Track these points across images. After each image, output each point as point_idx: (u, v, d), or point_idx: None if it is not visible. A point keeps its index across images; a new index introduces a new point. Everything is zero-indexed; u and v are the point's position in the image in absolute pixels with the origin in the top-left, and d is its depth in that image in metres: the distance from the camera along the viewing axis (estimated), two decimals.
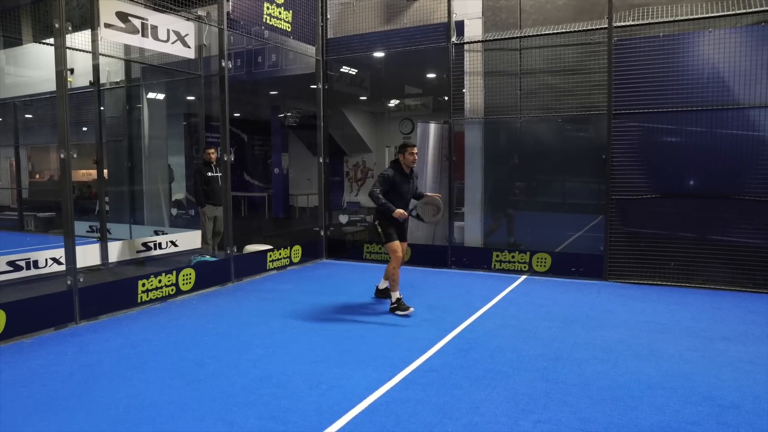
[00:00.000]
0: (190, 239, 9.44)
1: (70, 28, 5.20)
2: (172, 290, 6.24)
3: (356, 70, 10.79)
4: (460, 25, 7.75)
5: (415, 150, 5.78)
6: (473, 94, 7.80)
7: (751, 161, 6.35)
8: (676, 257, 6.75)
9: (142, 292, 5.90)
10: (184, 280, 6.38)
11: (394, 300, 5.71)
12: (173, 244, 9.12)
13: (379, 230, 5.76)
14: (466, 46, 7.77)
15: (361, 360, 4.32)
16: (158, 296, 6.07)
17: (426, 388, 3.77)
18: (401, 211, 5.61)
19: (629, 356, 4.38)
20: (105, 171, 9.53)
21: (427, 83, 13.11)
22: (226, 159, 6.99)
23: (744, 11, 6.27)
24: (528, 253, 7.54)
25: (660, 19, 6.57)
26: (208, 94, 9.82)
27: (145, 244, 8.61)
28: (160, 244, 8.88)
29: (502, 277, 7.43)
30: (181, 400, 3.59)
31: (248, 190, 15.98)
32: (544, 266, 7.47)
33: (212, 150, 8.29)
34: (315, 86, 8.78)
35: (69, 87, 9.97)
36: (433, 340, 4.82)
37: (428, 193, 6.05)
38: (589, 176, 7.38)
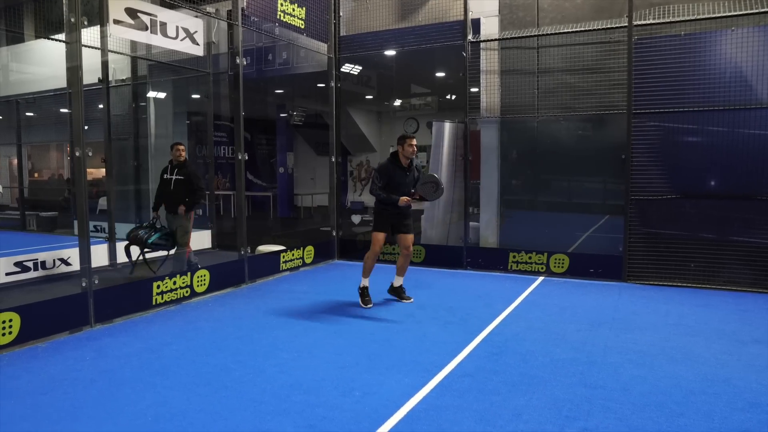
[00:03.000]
0: (199, 239, 9.29)
1: (86, 23, 5.04)
2: (187, 292, 6.10)
3: (359, 68, 10.62)
4: (476, 23, 7.64)
5: (414, 141, 5.70)
6: (489, 93, 7.70)
7: None
8: (696, 258, 6.66)
9: (157, 294, 5.76)
10: (198, 281, 6.25)
11: (360, 286, 5.93)
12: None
13: (373, 218, 5.90)
14: (482, 45, 7.66)
15: (392, 365, 4.20)
16: (173, 298, 5.93)
17: (463, 395, 3.66)
18: (406, 198, 5.63)
19: (664, 360, 4.28)
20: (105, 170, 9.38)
21: (435, 82, 13.00)
22: (240, 158, 6.85)
23: (767, 10, 6.18)
24: (545, 254, 7.44)
25: (681, 18, 6.48)
26: (216, 93, 9.69)
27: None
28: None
29: (520, 279, 7.33)
30: (210, 408, 3.46)
31: (252, 190, 15.82)
32: (562, 267, 7.37)
33: (182, 147, 6.90)
34: (326, 84, 8.65)
35: None
36: (461, 343, 4.71)
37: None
38: (608, 176, 7.28)
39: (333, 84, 8.59)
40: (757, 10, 6.20)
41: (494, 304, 6.00)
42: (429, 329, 5.13)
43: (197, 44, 8.56)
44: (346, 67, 12.19)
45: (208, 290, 6.38)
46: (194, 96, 11.06)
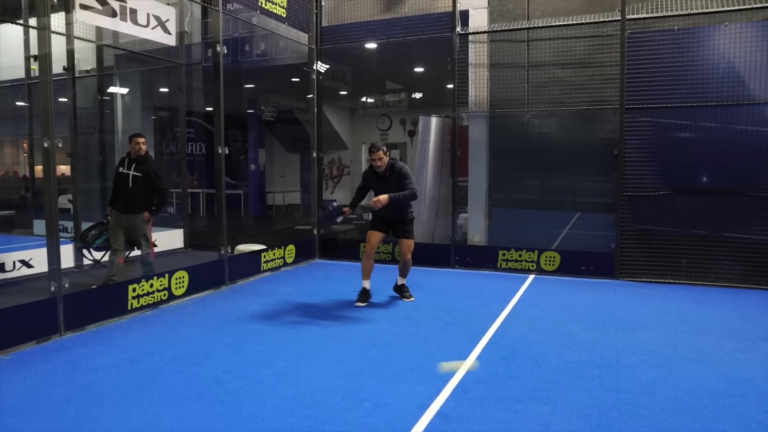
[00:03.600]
0: (170, 238, 8.80)
1: (55, 1, 4.57)
2: (165, 295, 5.67)
3: (326, 66, 10.29)
4: (464, 15, 7.41)
5: (378, 154, 5.44)
6: (478, 87, 7.49)
7: (766, 157, 6.25)
8: (688, 255, 6.61)
9: (133, 298, 5.31)
10: (177, 283, 5.82)
11: (361, 288, 5.82)
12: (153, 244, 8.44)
13: None
14: (471, 37, 7.44)
15: (398, 372, 3.91)
16: (150, 302, 5.49)
17: (482, 403, 3.40)
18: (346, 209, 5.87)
19: (679, 360, 4.13)
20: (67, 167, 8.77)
21: (413, 78, 12.76)
22: (221, 152, 6.44)
23: (760, 5, 6.16)
24: (536, 252, 7.28)
25: (674, 12, 6.40)
26: (188, 86, 9.19)
27: None
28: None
29: (511, 277, 7.15)
30: (208, 428, 3.10)
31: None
32: (553, 265, 7.22)
33: (142, 139, 6.09)
34: (307, 76, 8.29)
35: (33, 75, 9.16)
36: (467, 346, 4.46)
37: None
38: (600, 173, 7.17)
39: (314, 76, 8.23)
40: (749, 6, 6.17)
41: (491, 303, 5.78)
42: (429, 332, 4.86)
43: (169, 33, 8.09)
44: (319, 65, 11.86)
45: (187, 293, 5.95)
46: (165, 89, 10.52)
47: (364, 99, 16.63)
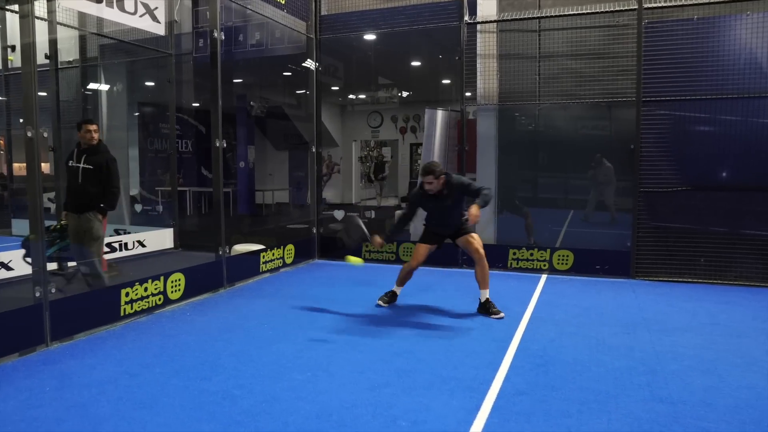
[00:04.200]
0: (159, 238, 8.34)
1: None
2: (160, 299, 5.24)
3: (318, 64, 9.90)
4: (472, 4, 7.08)
5: (429, 178, 4.95)
6: (487, 78, 7.16)
7: None
8: (706, 253, 6.37)
9: (126, 303, 4.88)
10: (173, 287, 5.39)
11: (392, 289, 5.58)
12: (141, 244, 7.99)
13: None
14: (479, 27, 7.11)
15: (429, 383, 3.56)
16: (144, 307, 5.06)
17: (530, 419, 3.07)
18: (378, 241, 5.38)
19: (727, 366, 3.84)
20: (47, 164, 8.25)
21: (408, 73, 12.43)
22: (217, 145, 6.01)
23: None
24: (548, 251, 6.99)
25: (694, 1, 6.15)
26: (177, 78, 8.73)
27: (108, 245, 7.45)
28: (126, 244, 7.74)
29: (522, 277, 6.84)
30: None
31: (208, 186, 14.74)
32: (566, 264, 6.94)
33: (92, 126, 5.30)
34: (305, 67, 7.89)
35: (11, 66, 8.61)
36: (496, 353, 4.13)
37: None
38: (616, 168, 6.90)
39: (314, 67, 7.83)
40: None
41: (509, 305, 5.45)
42: (452, 338, 4.52)
43: (158, 22, 7.64)
44: (308, 62, 11.44)
45: (184, 296, 5.53)
46: (152, 82, 10.01)
47: (356, 95, 16.24)
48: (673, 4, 6.22)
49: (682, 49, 6.23)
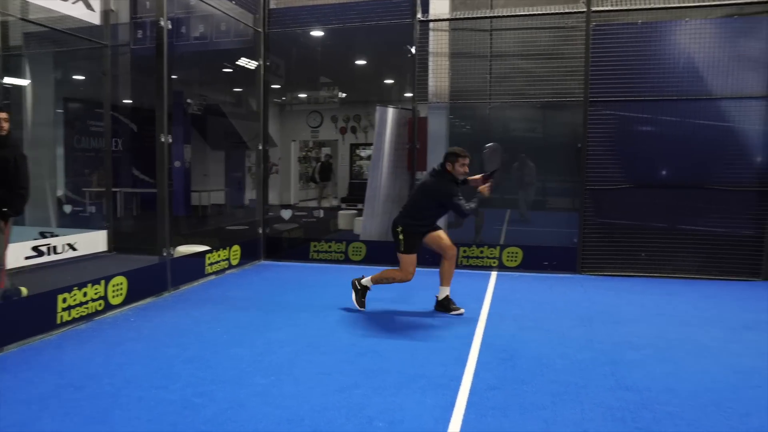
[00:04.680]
0: (91, 241, 7.79)
1: None
2: (100, 305, 4.86)
3: (266, 60, 9.65)
4: (424, 2, 7.08)
5: (468, 160, 4.91)
6: (438, 76, 7.18)
7: (721, 151, 6.42)
8: (647, 248, 6.66)
9: (63, 309, 4.48)
10: (114, 291, 5.01)
11: (363, 283, 5.23)
12: (71, 247, 7.44)
13: (401, 237, 4.94)
14: (431, 25, 7.12)
15: (399, 382, 3.47)
16: (83, 314, 4.67)
17: (506, 413, 3.04)
18: (484, 187, 5.01)
19: (681, 354, 4.00)
20: None
21: (351, 72, 12.32)
22: (163, 140, 5.67)
23: (715, 3, 6.32)
24: (498, 248, 7.08)
25: (638, 6, 6.42)
26: (111, 72, 8.19)
27: (36, 249, 6.89)
28: (55, 248, 7.17)
29: (474, 274, 6.89)
30: None
31: (139, 187, 14.00)
32: (515, 261, 7.06)
33: (3, 115, 4.57)
34: (255, 61, 7.62)
35: None
36: (461, 349, 4.10)
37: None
38: (564, 166, 7.09)
39: (261, 62, 7.57)
40: (706, 3, 6.32)
41: (466, 302, 5.42)
42: (415, 336, 4.46)
43: (92, 10, 7.18)
44: (242, 61, 11.10)
45: (126, 301, 5.16)
46: (81, 76, 9.37)
47: (297, 94, 15.95)
48: (619, 8, 6.46)
49: (627, 52, 6.49)
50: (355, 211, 11.67)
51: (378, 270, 5.35)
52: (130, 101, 12.98)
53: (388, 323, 4.81)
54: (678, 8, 6.40)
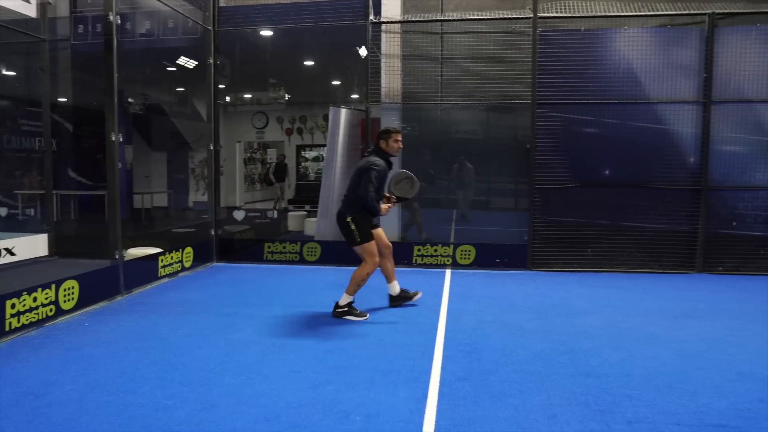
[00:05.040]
0: (31, 245, 7.40)
1: None
2: (51, 310, 4.65)
3: (216, 59, 9.50)
4: (376, 3, 7.17)
5: (400, 137, 4.98)
6: (390, 78, 7.29)
7: (659, 152, 6.84)
8: (593, 244, 7.01)
9: (12, 316, 4.26)
10: (65, 295, 4.81)
11: (344, 303, 4.92)
12: (9, 252, 7.04)
13: (353, 227, 4.82)
14: (383, 27, 7.21)
15: (370, 377, 3.52)
16: (33, 320, 4.45)
17: (477, 402, 3.16)
18: (387, 206, 4.94)
19: (631, 342, 4.25)
20: None
21: (298, 73, 12.25)
22: (114, 139, 5.47)
23: (649, 14, 6.75)
24: (452, 246, 7.26)
25: (580, 14, 6.76)
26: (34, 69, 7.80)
27: None
28: None
29: (428, 272, 7.03)
30: None
31: (75, 189, 13.37)
32: (468, 259, 7.25)
33: None
34: (205, 60, 7.47)
35: None
36: (425, 344, 4.20)
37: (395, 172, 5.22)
38: (513, 166, 7.35)
39: (211, 61, 7.44)
40: (641, 13, 6.73)
41: (425, 299, 5.56)
42: (379, 332, 4.52)
43: (28, 2, 6.84)
44: (182, 60, 10.85)
45: (78, 306, 4.96)
46: (11, 72, 8.86)
47: (243, 95, 15.70)
48: (564, 15, 6.77)
49: (571, 57, 6.81)
50: (305, 212, 11.62)
51: (347, 271, 5.38)
52: (65, 99, 12.40)
53: (351, 322, 4.84)
54: (617, 17, 6.78)
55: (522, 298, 5.70)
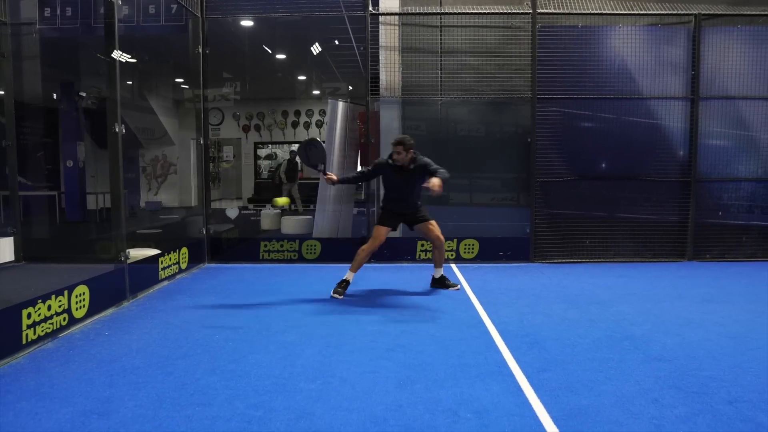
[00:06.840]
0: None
1: None
2: (65, 319, 4.19)
3: (206, 48, 8.98)
4: None
5: (399, 148, 5.27)
6: (389, 71, 7.15)
7: (651, 146, 7.12)
8: (591, 235, 7.19)
9: (29, 327, 3.80)
10: (77, 302, 4.36)
11: (344, 278, 5.45)
12: None
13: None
14: (381, 19, 7.06)
15: (452, 374, 3.40)
16: (49, 330, 4.00)
17: (575, 392, 3.11)
18: (328, 176, 5.52)
19: (676, 326, 4.34)
20: None
21: (261, 67, 11.84)
22: (117, 131, 5.02)
23: (640, 12, 7.00)
24: (455, 240, 7.23)
25: (578, 11, 6.90)
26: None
27: None
28: None
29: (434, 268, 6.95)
30: None
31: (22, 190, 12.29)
32: (472, 253, 7.25)
33: None
34: (194, 49, 7.03)
35: None
36: (482, 337, 4.13)
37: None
38: (514, 160, 7.40)
39: (200, 50, 7.01)
40: (633, 12, 6.97)
41: (452, 294, 5.52)
42: (426, 329, 4.39)
43: None
44: (116, 54, 10.22)
45: (89, 314, 4.51)
46: None
47: (192, 89, 14.97)
48: (561, 11, 6.90)
49: (569, 53, 6.94)
50: (279, 211, 11.26)
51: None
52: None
53: (395, 317, 4.69)
54: (611, 15, 6.98)
55: (542, 289, 5.74)
